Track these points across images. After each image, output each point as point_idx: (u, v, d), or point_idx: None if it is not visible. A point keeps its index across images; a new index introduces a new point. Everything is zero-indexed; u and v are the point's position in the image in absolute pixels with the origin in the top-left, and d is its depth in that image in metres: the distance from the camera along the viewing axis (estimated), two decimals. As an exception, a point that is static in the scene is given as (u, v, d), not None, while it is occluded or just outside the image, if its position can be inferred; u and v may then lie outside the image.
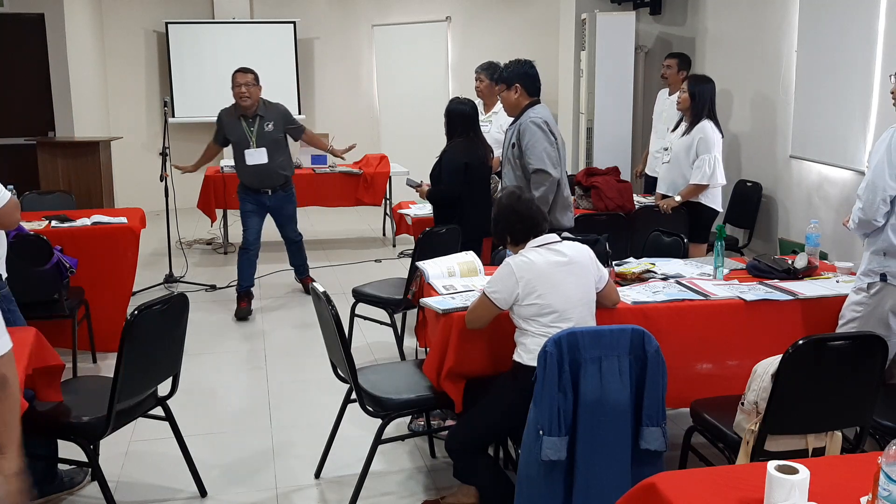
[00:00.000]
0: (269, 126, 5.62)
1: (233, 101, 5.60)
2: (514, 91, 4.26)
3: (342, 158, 6.55)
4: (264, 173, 5.65)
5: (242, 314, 5.63)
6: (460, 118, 4.74)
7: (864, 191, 3.11)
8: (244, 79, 5.49)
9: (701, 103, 5.15)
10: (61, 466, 3.31)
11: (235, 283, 5.81)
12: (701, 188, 5.13)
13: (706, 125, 5.11)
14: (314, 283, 3.28)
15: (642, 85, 7.59)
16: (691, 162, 5.14)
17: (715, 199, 5.22)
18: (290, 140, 5.89)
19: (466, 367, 3.10)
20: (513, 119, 4.36)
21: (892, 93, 3.17)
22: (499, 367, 3.09)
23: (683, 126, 5.30)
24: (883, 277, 3.14)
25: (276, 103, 5.74)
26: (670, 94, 6.43)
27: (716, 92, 5.26)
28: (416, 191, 5.15)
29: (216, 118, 5.73)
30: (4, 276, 3.18)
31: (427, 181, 4.99)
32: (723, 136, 5.21)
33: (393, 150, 8.87)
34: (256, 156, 5.58)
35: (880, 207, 3.05)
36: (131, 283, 5.06)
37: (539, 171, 4.13)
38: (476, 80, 5.95)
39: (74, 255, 4.31)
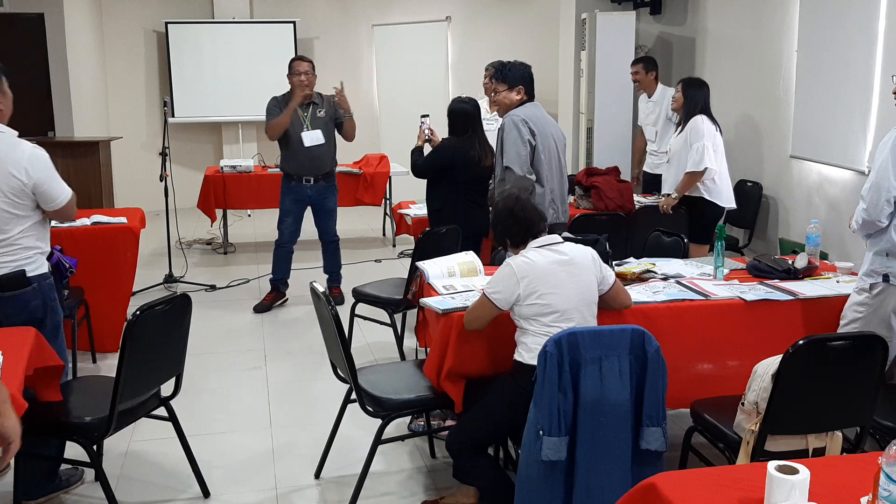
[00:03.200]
0: (321, 112, 5.63)
1: (282, 91, 5.58)
2: (517, 93, 4.29)
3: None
4: (316, 156, 5.62)
5: (261, 308, 5.72)
6: (462, 117, 4.74)
7: (868, 192, 3.10)
8: (303, 67, 5.50)
9: (692, 105, 5.22)
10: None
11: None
12: (695, 177, 5.10)
13: (696, 118, 5.15)
14: (314, 284, 3.26)
15: (642, 85, 7.58)
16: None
17: (719, 195, 5.18)
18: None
19: (466, 367, 3.10)
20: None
21: (895, 93, 3.16)
22: (499, 367, 3.09)
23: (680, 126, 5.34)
24: (885, 278, 3.13)
25: (329, 95, 5.69)
26: (650, 97, 6.51)
27: (710, 95, 5.29)
28: (422, 128, 5.06)
29: (269, 107, 5.54)
30: (48, 269, 3.22)
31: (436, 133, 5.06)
32: (720, 131, 5.21)
33: (393, 150, 8.86)
34: (314, 136, 5.58)
35: (884, 208, 3.05)
36: (131, 284, 5.06)
37: (507, 168, 4.18)
38: (485, 77, 5.87)
39: (74, 255, 4.29)
